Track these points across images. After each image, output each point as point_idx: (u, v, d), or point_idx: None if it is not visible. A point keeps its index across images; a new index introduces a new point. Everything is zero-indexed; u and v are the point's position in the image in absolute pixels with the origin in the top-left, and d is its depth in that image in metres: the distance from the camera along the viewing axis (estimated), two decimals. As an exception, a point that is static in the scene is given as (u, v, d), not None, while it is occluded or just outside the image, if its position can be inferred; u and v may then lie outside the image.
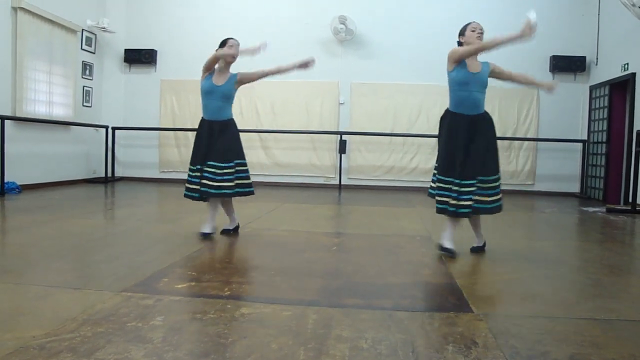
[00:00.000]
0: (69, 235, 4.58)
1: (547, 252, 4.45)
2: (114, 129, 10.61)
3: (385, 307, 2.72)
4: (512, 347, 2.18)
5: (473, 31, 4.13)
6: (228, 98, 4.73)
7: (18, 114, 8.25)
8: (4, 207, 6.39)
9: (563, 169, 10.29)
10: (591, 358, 2.10)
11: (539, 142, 10.30)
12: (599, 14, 9.68)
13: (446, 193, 3.99)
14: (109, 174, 10.55)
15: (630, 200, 7.64)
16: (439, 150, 4.19)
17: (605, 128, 9.27)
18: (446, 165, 4.02)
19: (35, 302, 2.64)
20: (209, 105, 4.69)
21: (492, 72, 4.20)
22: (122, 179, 10.79)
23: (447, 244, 4.04)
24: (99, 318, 2.40)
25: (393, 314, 2.60)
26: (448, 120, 4.10)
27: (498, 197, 3.99)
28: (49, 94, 9.05)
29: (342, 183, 10.41)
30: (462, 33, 4.19)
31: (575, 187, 10.29)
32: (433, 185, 4.18)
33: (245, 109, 10.73)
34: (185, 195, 4.69)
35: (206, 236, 4.55)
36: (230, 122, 4.77)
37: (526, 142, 10.32)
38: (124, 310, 2.52)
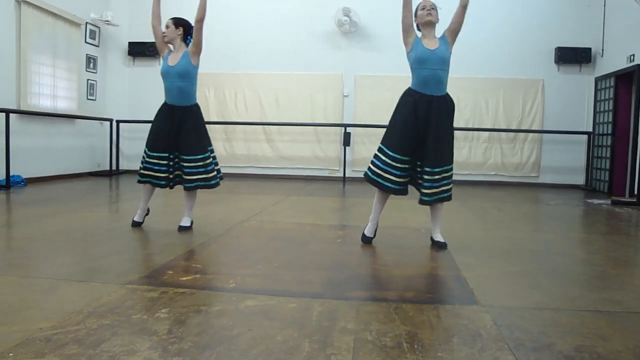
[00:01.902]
0: (74, 229, 4.60)
1: (552, 244, 4.44)
2: (118, 122, 10.63)
3: (390, 299, 2.72)
4: (516, 339, 2.18)
5: (423, 9, 4.05)
6: (185, 76, 4.46)
7: (22, 108, 8.26)
8: (10, 201, 6.41)
9: (568, 161, 10.26)
10: (596, 350, 2.09)
11: (544, 134, 10.27)
12: (604, 5, 9.62)
13: (402, 173, 3.90)
14: (114, 167, 10.58)
15: (635, 192, 7.62)
16: (392, 128, 3.99)
17: (610, 120, 9.23)
18: (403, 144, 3.88)
19: (41, 295, 2.66)
20: (169, 88, 4.48)
21: (450, 36, 4.07)
22: (126, 171, 10.81)
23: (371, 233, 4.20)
24: (104, 310, 2.41)
25: (398, 306, 2.60)
26: (411, 98, 3.96)
27: (449, 187, 3.94)
28: (53, 87, 9.06)
29: (347, 175, 10.40)
30: (415, 14, 4.10)
31: (580, 180, 10.25)
32: (377, 164, 3.97)
33: (249, 102, 10.74)
34: (144, 181, 4.50)
35: (138, 225, 4.61)
36: (195, 108, 4.57)
37: (531, 134, 10.29)
38: (129, 303, 2.53)
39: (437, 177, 3.86)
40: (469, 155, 10.24)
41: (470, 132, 10.15)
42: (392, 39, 10.38)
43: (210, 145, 4.63)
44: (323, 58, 10.67)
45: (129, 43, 10.96)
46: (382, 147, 3.98)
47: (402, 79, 10.20)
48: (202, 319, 2.37)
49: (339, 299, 2.71)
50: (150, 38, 11.01)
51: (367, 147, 10.59)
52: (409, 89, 4.04)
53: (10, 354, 1.91)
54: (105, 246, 3.95)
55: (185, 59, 4.49)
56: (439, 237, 4.11)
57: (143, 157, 4.48)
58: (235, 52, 10.73)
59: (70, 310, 2.40)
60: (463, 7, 4.03)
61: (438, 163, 3.87)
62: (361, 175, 10.40)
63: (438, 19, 4.10)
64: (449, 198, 3.96)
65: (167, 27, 4.65)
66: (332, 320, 2.38)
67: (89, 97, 10.28)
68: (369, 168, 4.04)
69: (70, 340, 2.05)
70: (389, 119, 4.05)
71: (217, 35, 10.78)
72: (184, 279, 3.01)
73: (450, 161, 3.97)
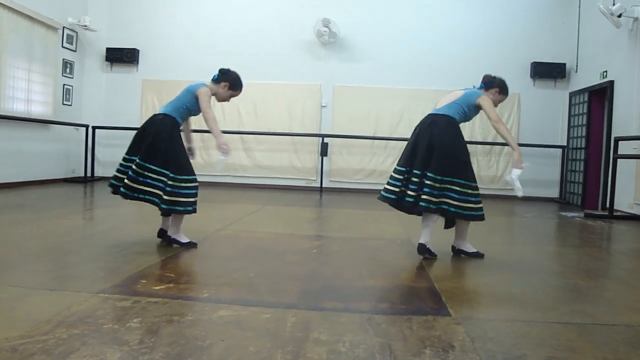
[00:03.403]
0: (46, 236, 4.53)
1: (526, 257, 4.49)
2: (94, 128, 10.52)
3: (363, 310, 2.72)
4: (488, 351, 2.20)
5: (502, 101, 4.36)
6: None
7: (-4, 112, 8.15)
8: (-20, 206, 6.29)
9: (543, 174, 10.38)
10: (566, 362, 2.12)
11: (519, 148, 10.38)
12: (579, 22, 9.82)
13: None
14: (89, 174, 10.44)
15: (607, 205, 7.74)
16: (468, 160, 4.19)
17: (584, 134, 9.38)
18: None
19: (9, 304, 2.60)
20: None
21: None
22: (101, 178, 10.69)
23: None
24: (74, 320, 2.37)
25: (371, 317, 2.60)
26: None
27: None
28: (27, 91, 8.94)
29: (324, 186, 10.42)
30: (503, 91, 4.31)
31: (555, 193, 10.40)
32: (479, 200, 4.07)
33: (227, 110, 10.69)
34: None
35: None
36: None
37: (506, 147, 10.38)
38: (100, 312, 2.50)
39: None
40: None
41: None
42: (371, 50, 10.58)
43: None
44: (302, 68, 10.70)
45: (107, 49, 10.88)
46: (474, 184, 4.07)
47: (380, 90, 10.41)
48: (174, 329, 2.34)
49: (313, 309, 2.70)
50: (128, 44, 11.03)
51: (344, 158, 10.63)
52: (458, 122, 4.19)
53: (-24, 364, 1.87)
54: (77, 254, 3.89)
55: None
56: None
57: (185, 186, 4.14)
58: (214, 60, 10.68)
59: (39, 319, 2.35)
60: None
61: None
62: (338, 185, 10.55)
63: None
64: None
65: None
66: (306, 330, 2.37)
67: (65, 102, 10.16)
68: (478, 209, 4.03)
69: (38, 350, 2.01)
70: (460, 153, 4.15)
71: (196, 43, 10.77)
72: (156, 288, 2.98)
73: None
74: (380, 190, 4.28)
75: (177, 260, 3.81)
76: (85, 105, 10.83)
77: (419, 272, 3.70)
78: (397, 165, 4.20)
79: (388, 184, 4.19)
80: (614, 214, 7.47)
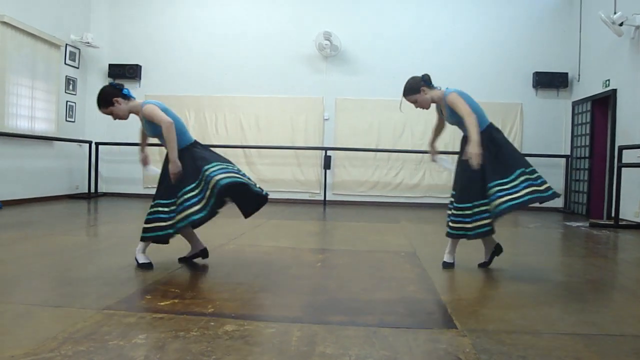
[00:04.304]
0: (51, 252, 4.53)
1: (531, 268, 4.47)
2: (97, 144, 10.56)
3: (369, 323, 2.71)
4: (496, 363, 2.18)
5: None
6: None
7: None
8: (-15, 224, 6.30)
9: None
10: (574, 374, 2.10)
11: (522, 158, 10.38)
12: (580, 32, 9.84)
13: None
14: (92, 190, 10.46)
15: (612, 215, 7.71)
16: None
17: (587, 143, 9.37)
18: None
19: (14, 321, 2.60)
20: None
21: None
22: (105, 194, 10.71)
23: None
24: (80, 337, 2.37)
25: (377, 330, 2.59)
26: None
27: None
28: (31, 108, 8.99)
29: (327, 199, 10.41)
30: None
31: (559, 202, 10.35)
32: None
33: (230, 125, 10.74)
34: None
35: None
36: None
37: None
38: (105, 329, 2.49)
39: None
40: (449, 179, 10.29)
41: (451, 155, 10.21)
42: (373, 62, 10.61)
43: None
44: (304, 81, 10.73)
45: (109, 65, 10.93)
46: None
47: (382, 102, 10.42)
48: (180, 344, 2.33)
49: (318, 323, 2.69)
50: (130, 60, 11.07)
51: (347, 171, 10.63)
52: None
53: (-19, 383, 1.86)
54: (82, 270, 3.89)
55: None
56: None
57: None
58: (216, 75, 10.76)
59: (44, 336, 2.35)
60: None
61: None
62: (341, 198, 10.53)
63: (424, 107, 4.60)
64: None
65: None
66: (311, 345, 2.36)
67: (68, 119, 10.21)
68: None
69: (43, 367, 2.01)
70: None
71: (198, 58, 10.83)
72: (162, 303, 2.98)
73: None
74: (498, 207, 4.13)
75: (181, 275, 3.81)
76: (88, 122, 10.86)
77: (425, 285, 3.69)
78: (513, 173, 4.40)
79: (514, 192, 4.29)
80: (620, 223, 7.43)
